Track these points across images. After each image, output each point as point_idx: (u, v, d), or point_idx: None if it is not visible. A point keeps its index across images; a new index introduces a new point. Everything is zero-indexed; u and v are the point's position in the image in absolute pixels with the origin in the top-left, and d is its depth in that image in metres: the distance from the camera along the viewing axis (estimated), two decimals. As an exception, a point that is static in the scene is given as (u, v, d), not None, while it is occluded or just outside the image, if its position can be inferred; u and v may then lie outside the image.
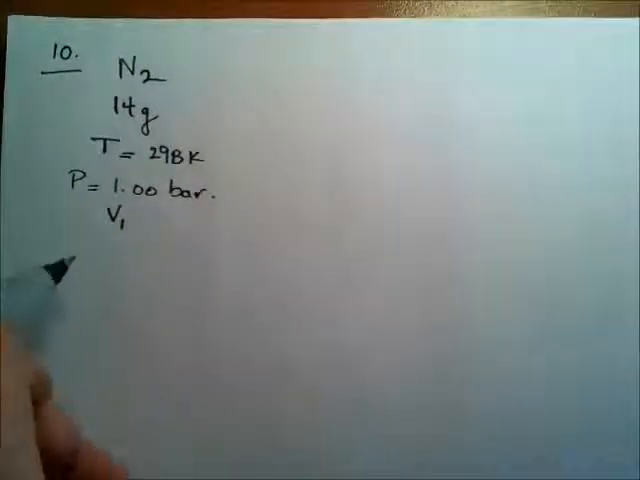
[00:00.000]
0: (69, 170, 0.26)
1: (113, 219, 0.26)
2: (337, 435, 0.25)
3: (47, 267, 0.25)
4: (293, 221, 0.26)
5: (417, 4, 0.27)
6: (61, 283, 0.25)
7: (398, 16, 0.27)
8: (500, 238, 0.26)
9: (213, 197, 0.26)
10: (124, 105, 0.27)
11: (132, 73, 0.27)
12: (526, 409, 0.25)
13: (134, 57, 0.27)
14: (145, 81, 0.27)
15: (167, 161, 0.26)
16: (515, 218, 0.26)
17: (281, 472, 0.25)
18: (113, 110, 0.27)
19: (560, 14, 0.27)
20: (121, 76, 0.27)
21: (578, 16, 0.27)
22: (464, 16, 0.27)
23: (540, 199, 0.26)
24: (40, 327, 0.25)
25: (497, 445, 0.25)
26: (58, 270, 0.25)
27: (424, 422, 0.25)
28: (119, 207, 0.26)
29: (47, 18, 0.27)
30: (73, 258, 0.25)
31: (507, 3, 0.27)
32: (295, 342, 0.25)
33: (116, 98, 0.27)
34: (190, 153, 0.26)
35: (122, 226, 0.26)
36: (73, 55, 0.27)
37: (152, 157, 0.26)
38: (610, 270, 0.25)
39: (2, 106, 0.26)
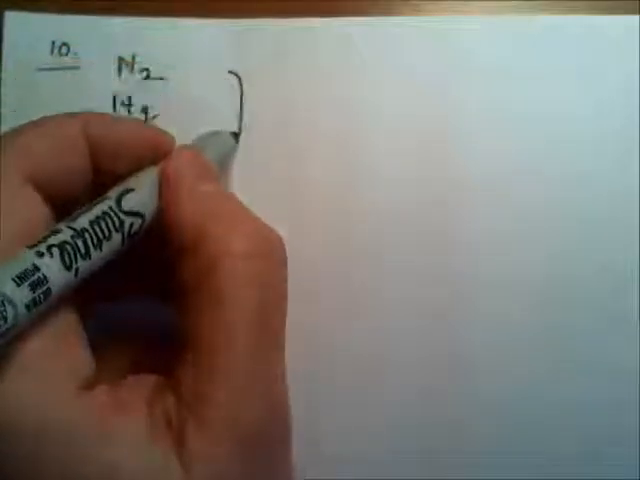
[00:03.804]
0: (66, 168, 0.26)
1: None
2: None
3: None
4: (296, 220, 0.26)
5: (417, 4, 0.27)
6: None
7: (398, 15, 0.27)
8: (501, 238, 0.26)
9: (213, 196, 0.26)
10: (123, 104, 0.27)
11: (131, 71, 0.27)
12: (525, 408, 0.25)
13: (133, 55, 0.27)
14: (144, 80, 0.27)
15: (166, 160, 0.26)
16: (516, 217, 0.26)
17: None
18: (112, 109, 0.26)
19: (560, 14, 0.27)
20: (120, 74, 0.27)
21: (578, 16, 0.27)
22: (464, 15, 0.27)
23: (541, 198, 0.26)
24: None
25: (500, 439, 0.25)
26: (235, 135, 0.26)
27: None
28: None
29: (45, 15, 0.27)
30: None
31: (507, 3, 0.27)
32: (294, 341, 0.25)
33: (115, 97, 0.26)
34: (189, 152, 0.26)
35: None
36: (71, 52, 0.27)
37: (151, 156, 0.26)
38: (614, 270, 0.26)
39: (-1, 103, 0.26)
